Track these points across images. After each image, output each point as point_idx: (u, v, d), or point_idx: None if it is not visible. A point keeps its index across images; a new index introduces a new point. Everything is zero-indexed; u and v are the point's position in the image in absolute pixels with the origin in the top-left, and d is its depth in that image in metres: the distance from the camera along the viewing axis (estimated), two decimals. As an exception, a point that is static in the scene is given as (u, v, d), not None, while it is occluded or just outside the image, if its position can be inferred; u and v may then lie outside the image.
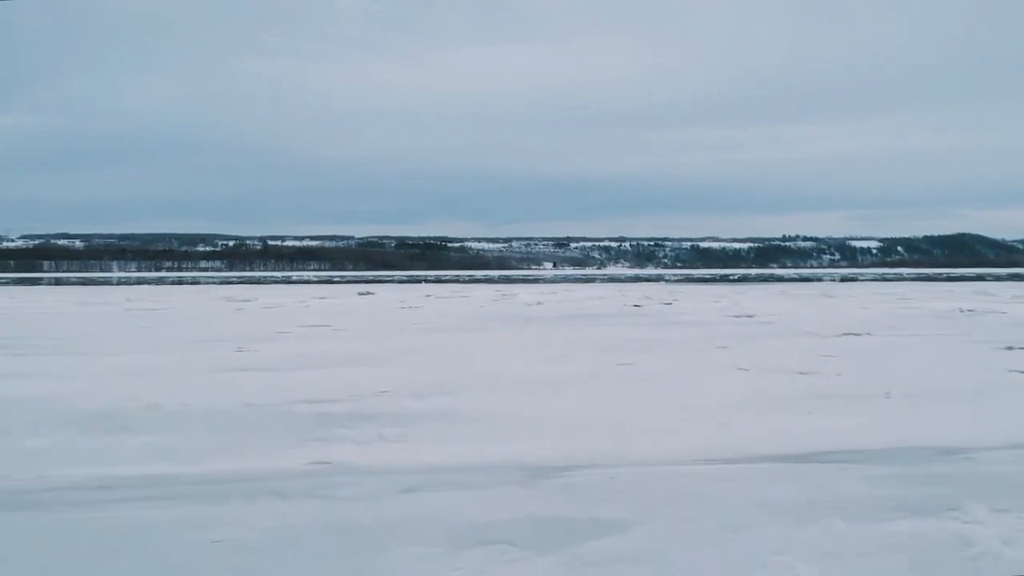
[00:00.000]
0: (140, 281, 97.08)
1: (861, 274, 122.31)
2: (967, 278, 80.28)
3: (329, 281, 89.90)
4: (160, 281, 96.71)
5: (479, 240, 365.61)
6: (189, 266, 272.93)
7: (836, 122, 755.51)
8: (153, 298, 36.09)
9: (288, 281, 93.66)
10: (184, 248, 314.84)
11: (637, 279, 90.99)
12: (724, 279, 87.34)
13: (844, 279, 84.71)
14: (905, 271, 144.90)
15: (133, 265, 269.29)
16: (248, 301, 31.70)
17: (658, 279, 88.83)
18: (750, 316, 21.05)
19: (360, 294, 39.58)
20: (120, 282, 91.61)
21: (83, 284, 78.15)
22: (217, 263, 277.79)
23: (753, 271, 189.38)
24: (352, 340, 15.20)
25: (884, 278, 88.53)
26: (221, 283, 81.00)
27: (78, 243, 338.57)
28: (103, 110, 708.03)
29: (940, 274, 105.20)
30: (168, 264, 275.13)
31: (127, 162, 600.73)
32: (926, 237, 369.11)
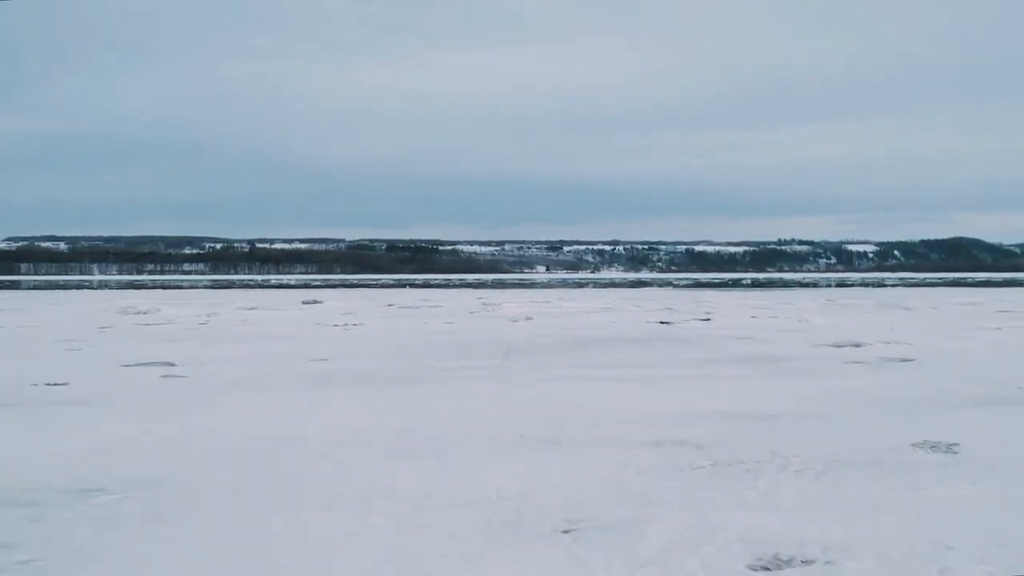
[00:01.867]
0: (128, 285, 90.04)
1: (885, 279, 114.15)
2: (994, 283, 73.55)
3: (307, 285, 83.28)
4: (136, 285, 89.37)
5: (471, 243, 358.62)
6: (172, 269, 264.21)
7: (832, 125, 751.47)
8: (36, 310, 28.44)
9: (266, 285, 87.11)
10: (169, 251, 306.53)
11: (640, 284, 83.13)
12: (737, 284, 79.57)
13: (866, 284, 77.35)
14: (919, 275, 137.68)
15: (115, 268, 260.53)
16: (144, 313, 24.15)
17: (665, 284, 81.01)
18: (857, 346, 13.42)
19: (304, 303, 31.93)
20: (100, 285, 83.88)
21: (33, 288, 70.33)
22: (201, 266, 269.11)
23: (761, 275, 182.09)
24: (147, 416, 7.59)
25: (906, 283, 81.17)
26: (199, 287, 74.17)
27: (63, 245, 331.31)
28: (98, 112, 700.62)
29: (964, 279, 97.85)
30: (150, 267, 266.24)
31: (121, 164, 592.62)
32: (922, 241, 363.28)
